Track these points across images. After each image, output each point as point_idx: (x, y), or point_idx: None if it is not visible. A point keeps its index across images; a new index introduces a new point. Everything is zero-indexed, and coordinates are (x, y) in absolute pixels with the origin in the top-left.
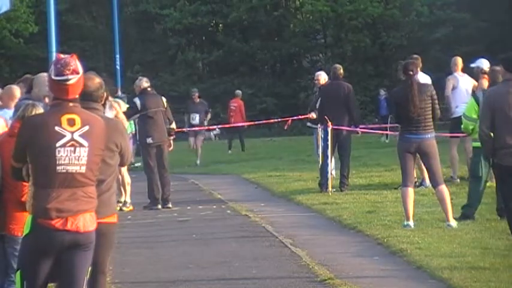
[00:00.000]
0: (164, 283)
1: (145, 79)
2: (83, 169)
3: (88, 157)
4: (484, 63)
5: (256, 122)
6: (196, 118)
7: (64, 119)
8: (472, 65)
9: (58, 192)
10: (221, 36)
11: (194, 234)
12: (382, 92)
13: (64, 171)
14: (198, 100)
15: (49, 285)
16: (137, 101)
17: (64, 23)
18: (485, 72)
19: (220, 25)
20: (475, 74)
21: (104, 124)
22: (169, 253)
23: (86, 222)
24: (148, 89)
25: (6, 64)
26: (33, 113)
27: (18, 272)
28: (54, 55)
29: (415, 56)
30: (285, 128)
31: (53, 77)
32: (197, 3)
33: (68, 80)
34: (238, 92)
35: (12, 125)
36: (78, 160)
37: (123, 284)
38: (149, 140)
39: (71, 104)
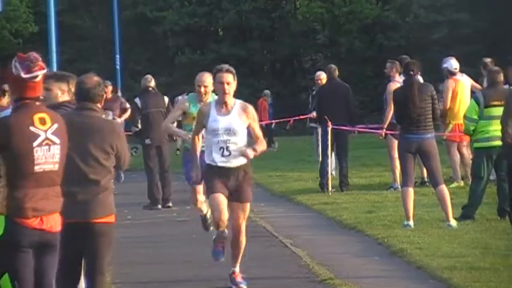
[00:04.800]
0: (164, 283)
1: (149, 78)
2: (56, 167)
3: (60, 154)
4: (454, 64)
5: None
6: (109, 116)
7: (36, 118)
8: (444, 65)
9: (33, 192)
10: (220, 37)
11: (194, 234)
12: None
13: (41, 170)
14: (110, 95)
15: None
16: (138, 100)
17: (63, 23)
18: (454, 74)
19: (219, 26)
20: (445, 74)
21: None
22: (169, 253)
23: (56, 222)
24: (150, 88)
25: None
26: None
27: (6, 276)
28: (54, 55)
29: (405, 56)
30: (287, 127)
31: (23, 75)
32: (194, 4)
33: (37, 76)
34: (264, 92)
35: None
36: (53, 158)
37: (123, 284)
38: (147, 141)
39: (37, 103)
